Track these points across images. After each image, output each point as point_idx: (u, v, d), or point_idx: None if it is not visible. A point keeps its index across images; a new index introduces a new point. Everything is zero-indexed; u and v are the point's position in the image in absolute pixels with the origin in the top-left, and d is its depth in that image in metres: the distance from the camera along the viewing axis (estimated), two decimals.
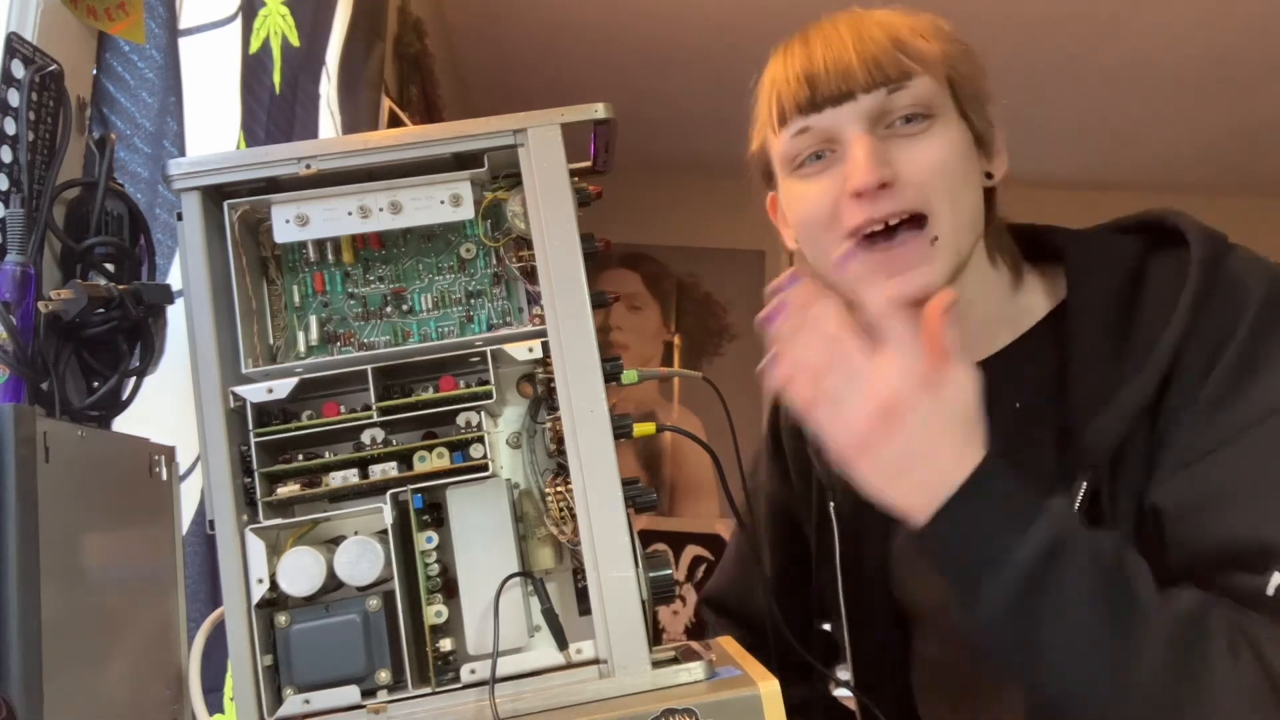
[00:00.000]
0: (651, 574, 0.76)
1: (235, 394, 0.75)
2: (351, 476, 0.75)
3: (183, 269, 0.76)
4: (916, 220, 0.85)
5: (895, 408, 0.74)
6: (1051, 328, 0.91)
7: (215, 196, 0.77)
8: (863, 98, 0.85)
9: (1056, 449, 0.86)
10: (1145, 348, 0.82)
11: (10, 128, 0.80)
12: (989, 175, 0.91)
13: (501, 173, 0.80)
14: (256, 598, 0.72)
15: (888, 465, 0.75)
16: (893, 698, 1.01)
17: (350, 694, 0.72)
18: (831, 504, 1.01)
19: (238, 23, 1.31)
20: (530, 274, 0.79)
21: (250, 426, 0.74)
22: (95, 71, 0.94)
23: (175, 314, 0.89)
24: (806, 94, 0.85)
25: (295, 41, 1.50)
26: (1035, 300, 0.93)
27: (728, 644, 0.83)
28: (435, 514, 0.77)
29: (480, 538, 0.75)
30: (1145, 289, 0.85)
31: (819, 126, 0.86)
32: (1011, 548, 0.71)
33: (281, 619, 0.73)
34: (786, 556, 1.13)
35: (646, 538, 0.75)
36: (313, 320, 0.81)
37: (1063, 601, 0.71)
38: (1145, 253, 0.88)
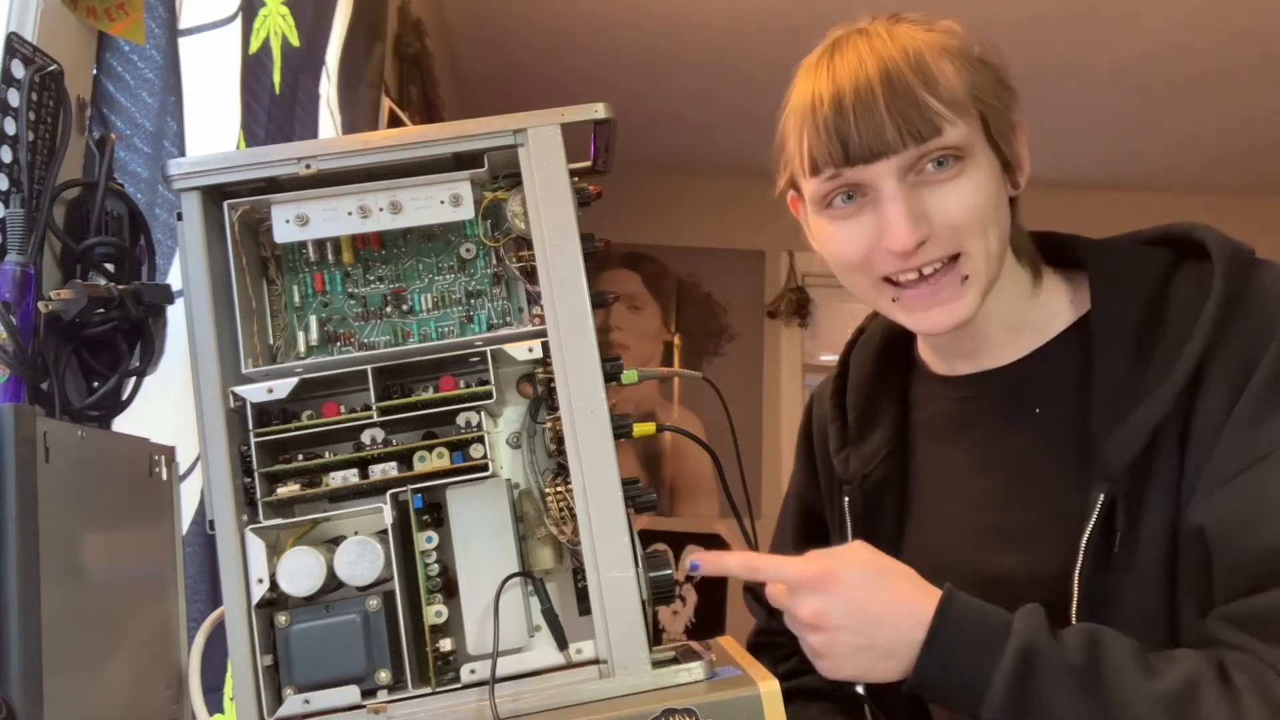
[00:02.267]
0: (651, 574, 0.76)
1: (235, 394, 0.75)
2: (351, 476, 0.75)
3: (183, 269, 0.76)
4: (949, 258, 0.86)
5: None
6: (1076, 337, 0.91)
7: (215, 196, 0.77)
8: (895, 155, 0.84)
9: (1076, 459, 0.86)
10: (1168, 362, 0.81)
11: (10, 128, 0.80)
12: (1014, 185, 0.92)
13: (501, 173, 0.80)
14: (256, 598, 0.72)
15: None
16: (907, 695, 1.01)
17: (350, 694, 0.72)
18: (846, 499, 1.02)
19: (238, 23, 1.31)
20: (530, 274, 0.79)
21: (250, 426, 0.74)
22: (95, 71, 0.94)
23: (175, 314, 0.89)
24: (839, 151, 0.85)
25: (295, 41, 1.50)
26: (1059, 307, 0.94)
27: (728, 644, 0.83)
28: (435, 514, 0.77)
29: (480, 538, 0.75)
30: (1169, 302, 0.85)
31: (851, 177, 0.86)
32: (992, 674, 0.76)
33: (281, 619, 0.73)
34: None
35: (646, 538, 0.75)
36: (313, 320, 0.81)
37: (1044, 712, 0.75)
38: (1170, 266, 0.88)
